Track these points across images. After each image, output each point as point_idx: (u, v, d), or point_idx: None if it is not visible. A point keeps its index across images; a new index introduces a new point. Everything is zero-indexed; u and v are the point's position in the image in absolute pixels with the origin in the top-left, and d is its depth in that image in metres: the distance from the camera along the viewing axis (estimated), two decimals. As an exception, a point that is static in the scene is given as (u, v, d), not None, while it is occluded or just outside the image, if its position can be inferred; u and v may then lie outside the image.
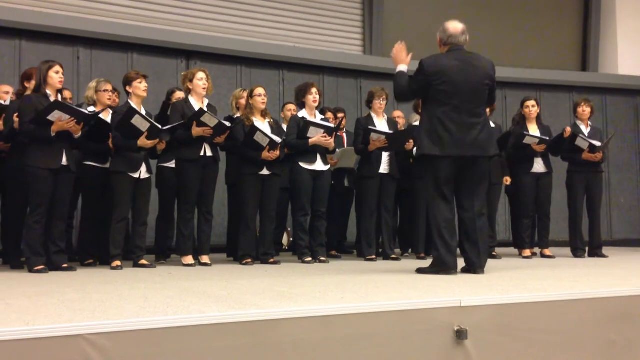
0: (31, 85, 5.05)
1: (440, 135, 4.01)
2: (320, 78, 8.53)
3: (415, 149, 5.92)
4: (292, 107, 6.19)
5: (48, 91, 4.58)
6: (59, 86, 4.63)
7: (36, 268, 4.39)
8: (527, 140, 6.14)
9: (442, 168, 4.04)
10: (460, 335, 2.47)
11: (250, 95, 5.42)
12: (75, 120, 4.51)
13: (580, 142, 6.18)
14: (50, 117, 4.43)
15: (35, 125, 4.46)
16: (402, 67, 4.25)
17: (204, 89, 5.18)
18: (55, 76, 4.59)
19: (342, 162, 6.16)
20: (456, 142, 4.00)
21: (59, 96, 4.65)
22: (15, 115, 4.73)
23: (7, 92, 5.15)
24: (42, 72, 4.58)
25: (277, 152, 5.27)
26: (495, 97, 4.35)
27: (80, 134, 4.68)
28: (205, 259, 5.19)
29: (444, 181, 4.06)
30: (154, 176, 5.40)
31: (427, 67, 4.06)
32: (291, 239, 6.91)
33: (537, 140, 6.13)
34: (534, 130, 6.26)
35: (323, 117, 5.85)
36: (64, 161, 4.58)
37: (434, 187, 4.08)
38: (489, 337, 2.55)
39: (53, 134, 4.46)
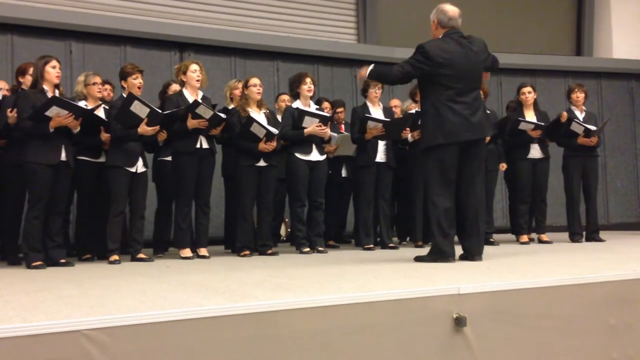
0: (25, 80, 5.03)
1: (450, 120, 3.99)
2: (315, 68, 8.50)
3: (410, 136, 5.98)
4: (285, 97, 6.17)
5: (45, 86, 4.55)
6: (56, 81, 4.60)
7: (34, 264, 4.38)
8: (522, 126, 6.14)
9: (449, 155, 4.03)
10: (460, 322, 2.48)
11: (246, 85, 5.39)
12: (74, 116, 4.49)
13: (575, 127, 6.18)
14: (48, 113, 4.40)
15: (33, 121, 4.44)
16: (370, 67, 4.23)
17: (198, 80, 5.16)
18: (52, 71, 4.56)
19: (342, 150, 6.15)
20: (466, 125, 4.02)
21: (56, 91, 4.62)
22: (9, 110, 4.70)
23: (1, 88, 5.12)
24: (38, 67, 4.55)
25: (274, 143, 5.26)
26: (497, 62, 4.42)
27: (78, 129, 4.65)
28: (203, 251, 5.19)
29: (449, 168, 4.05)
30: (150, 170, 5.39)
31: (434, 56, 4.02)
32: (289, 230, 6.91)
33: (533, 126, 6.12)
34: (530, 116, 6.25)
35: (318, 107, 5.83)
36: (63, 157, 4.56)
37: (439, 174, 4.05)
38: (488, 323, 2.56)
39: (51, 130, 4.44)
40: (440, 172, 4.05)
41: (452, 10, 4.16)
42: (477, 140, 4.12)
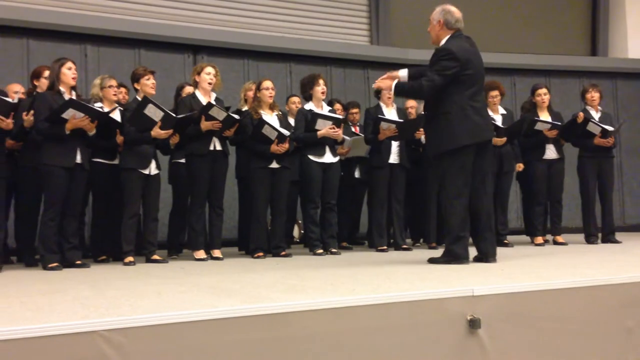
0: (40, 83, 5.08)
1: (474, 120, 3.97)
2: (328, 69, 8.50)
3: (423, 138, 5.95)
4: (296, 99, 6.18)
5: (62, 88, 4.59)
6: (73, 83, 4.65)
7: (50, 265, 4.42)
8: (538, 126, 6.10)
9: (470, 156, 4.02)
10: (473, 324, 2.46)
11: (258, 88, 5.41)
12: (90, 118, 4.53)
13: (592, 127, 6.12)
14: (64, 115, 4.45)
15: (50, 123, 4.48)
16: (402, 74, 4.15)
17: (210, 83, 5.17)
18: (69, 72, 4.60)
19: (353, 152, 6.15)
20: (486, 125, 4.11)
21: (73, 93, 4.67)
22: (25, 113, 4.75)
23: (17, 92, 5.18)
24: (54, 69, 4.60)
25: (286, 145, 5.27)
26: None
27: (94, 131, 4.69)
28: (217, 253, 5.20)
29: (469, 169, 4.03)
30: (165, 172, 5.41)
31: (459, 55, 3.99)
32: (302, 232, 6.91)
33: (549, 126, 6.09)
34: (545, 117, 6.21)
35: (330, 108, 5.83)
36: (78, 159, 4.60)
37: (463, 177, 3.99)
38: (503, 326, 2.54)
39: (67, 132, 4.49)
40: (463, 173, 4.00)
41: (457, 11, 4.14)
42: (489, 140, 4.20)
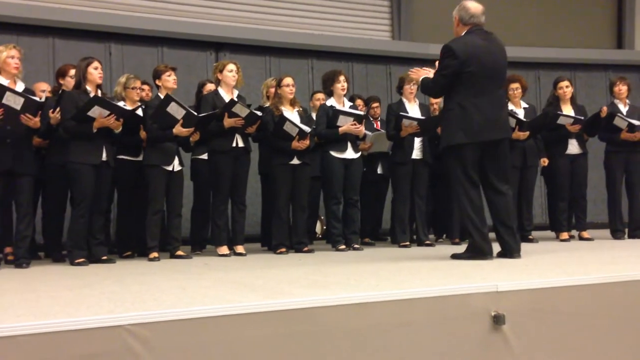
0: (65, 81, 5.16)
1: (473, 119, 3.94)
2: (349, 65, 8.48)
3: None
4: (320, 96, 6.18)
5: (88, 87, 4.66)
6: (99, 81, 4.72)
7: (77, 261, 4.50)
8: (561, 121, 6.02)
9: (470, 153, 3.99)
10: (498, 320, 2.45)
11: (279, 85, 5.43)
12: (115, 116, 4.59)
13: (618, 122, 6.03)
14: (90, 113, 4.52)
15: (76, 122, 4.55)
16: (422, 77, 4.24)
17: (234, 80, 5.21)
18: (95, 72, 4.67)
19: (376, 147, 6.13)
20: (489, 124, 3.96)
21: (99, 92, 4.73)
22: (51, 111, 4.82)
23: (44, 90, 5.26)
24: (81, 68, 4.67)
25: (307, 142, 5.28)
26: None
27: (120, 129, 4.75)
28: (240, 249, 5.24)
29: (472, 166, 4.00)
30: (187, 169, 5.46)
31: (459, 52, 3.97)
32: (324, 227, 6.92)
33: (572, 121, 6.00)
34: (568, 110, 6.12)
35: (352, 104, 5.82)
36: (104, 157, 4.67)
37: (463, 174, 4.01)
38: (527, 322, 2.52)
39: (94, 130, 4.55)
40: (463, 171, 4.00)
41: (474, 7, 4.09)
42: (501, 140, 4.05)
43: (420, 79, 4.24)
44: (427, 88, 4.27)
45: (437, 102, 6.41)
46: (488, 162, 4.05)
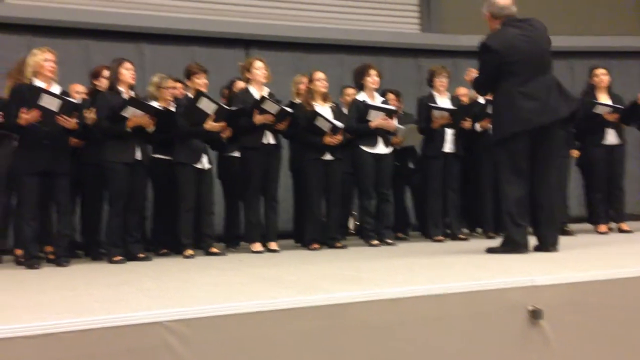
0: (99, 82, 5.25)
1: (522, 107, 3.87)
2: (379, 59, 8.42)
3: (478, 126, 5.86)
4: (351, 91, 6.15)
5: (121, 88, 4.73)
6: (132, 82, 4.78)
7: (115, 259, 4.58)
8: (597, 110, 5.88)
9: (521, 143, 3.92)
10: (536, 315, 2.41)
11: (310, 80, 5.43)
12: (149, 116, 4.66)
13: (657, 110, 5.87)
14: (124, 113, 4.59)
15: (111, 122, 4.63)
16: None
17: (263, 77, 5.23)
18: (127, 72, 4.74)
19: (408, 141, 6.10)
20: (540, 110, 3.89)
21: (131, 92, 4.80)
22: (85, 111, 4.91)
23: (79, 92, 5.36)
24: (114, 69, 4.75)
25: (339, 137, 5.27)
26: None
27: (153, 128, 4.82)
28: (273, 245, 5.25)
29: (521, 156, 3.93)
30: (215, 167, 5.50)
31: (495, 46, 3.94)
32: (357, 223, 6.91)
33: (609, 110, 5.86)
34: (604, 99, 5.98)
35: (383, 99, 5.79)
36: (138, 155, 4.74)
37: (511, 164, 3.94)
38: (566, 316, 2.48)
39: (129, 130, 4.63)
40: (511, 161, 3.94)
41: (502, 0, 4.05)
42: (550, 125, 3.96)
43: (473, 80, 4.50)
44: (475, 88, 4.42)
45: (465, 94, 6.35)
46: (535, 151, 3.97)
